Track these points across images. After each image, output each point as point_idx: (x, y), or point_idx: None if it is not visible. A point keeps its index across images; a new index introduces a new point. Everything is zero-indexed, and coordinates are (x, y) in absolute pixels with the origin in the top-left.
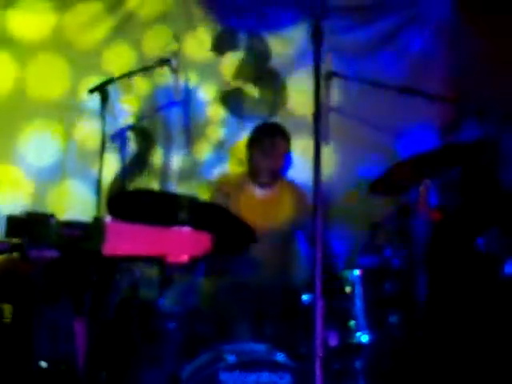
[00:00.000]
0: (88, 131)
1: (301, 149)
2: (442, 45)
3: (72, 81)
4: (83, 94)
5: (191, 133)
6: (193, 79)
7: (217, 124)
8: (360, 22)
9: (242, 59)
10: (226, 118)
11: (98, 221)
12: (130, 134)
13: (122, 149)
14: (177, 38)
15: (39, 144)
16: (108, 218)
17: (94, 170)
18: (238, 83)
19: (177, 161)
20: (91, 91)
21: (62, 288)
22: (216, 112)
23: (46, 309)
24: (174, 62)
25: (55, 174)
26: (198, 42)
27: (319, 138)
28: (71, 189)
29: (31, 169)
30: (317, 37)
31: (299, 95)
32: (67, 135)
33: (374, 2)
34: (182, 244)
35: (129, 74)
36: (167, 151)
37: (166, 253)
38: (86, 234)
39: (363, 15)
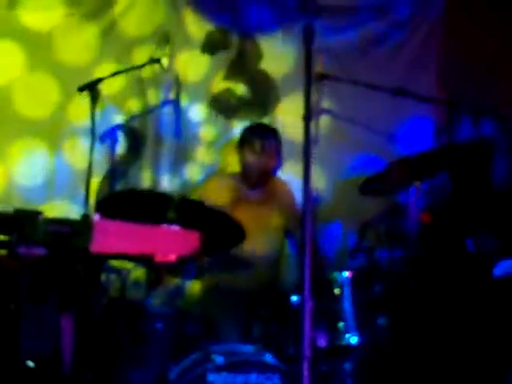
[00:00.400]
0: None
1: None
2: (434, 45)
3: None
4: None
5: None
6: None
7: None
8: (352, 23)
9: (233, 60)
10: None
11: (86, 218)
12: (120, 134)
13: (111, 148)
14: (167, 37)
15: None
16: (96, 216)
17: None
18: (229, 84)
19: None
20: (81, 90)
21: (49, 285)
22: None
23: (33, 306)
24: (164, 61)
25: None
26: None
27: (309, 140)
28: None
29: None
30: (308, 38)
31: (291, 96)
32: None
33: (366, 2)
34: (171, 243)
35: (119, 73)
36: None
37: (154, 251)
38: (74, 231)
39: (355, 16)
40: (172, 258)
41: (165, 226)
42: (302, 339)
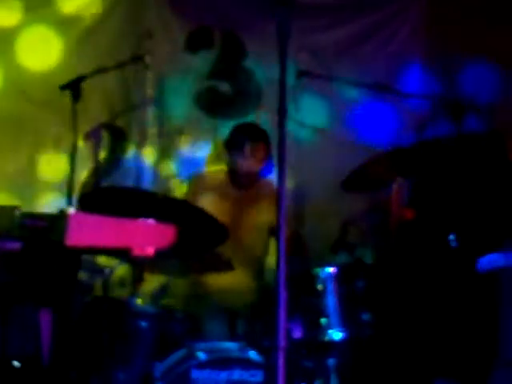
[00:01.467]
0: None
1: None
2: (419, 43)
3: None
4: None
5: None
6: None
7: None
8: (338, 21)
9: (217, 57)
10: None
11: (62, 212)
12: (104, 133)
13: (95, 147)
14: (149, 34)
15: None
16: (71, 210)
17: None
18: (212, 82)
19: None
20: (63, 88)
21: (26, 280)
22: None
23: (11, 303)
24: (147, 59)
25: None
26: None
27: (284, 136)
28: None
29: None
30: (282, 36)
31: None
32: None
33: (348, 1)
34: (147, 236)
35: (102, 71)
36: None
37: (130, 245)
38: (50, 225)
39: (341, 14)
40: (149, 251)
41: (141, 219)
42: (276, 330)
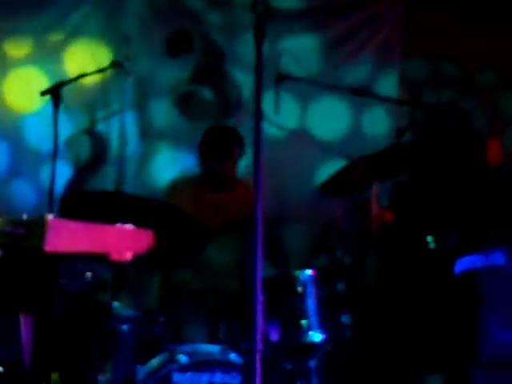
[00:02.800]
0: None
1: None
2: (397, 46)
3: None
4: None
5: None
6: None
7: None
8: (315, 25)
9: (196, 62)
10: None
11: (40, 218)
12: (84, 139)
13: (76, 153)
14: (128, 40)
15: None
16: (50, 216)
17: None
18: (193, 87)
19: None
20: (43, 94)
21: (6, 287)
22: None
23: None
24: (126, 65)
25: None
26: None
27: (259, 140)
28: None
29: None
30: (259, 39)
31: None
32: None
33: (330, 3)
34: (125, 241)
35: (81, 77)
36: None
37: (109, 250)
38: (29, 231)
39: (318, 18)
40: (127, 256)
41: (119, 225)
42: (253, 333)
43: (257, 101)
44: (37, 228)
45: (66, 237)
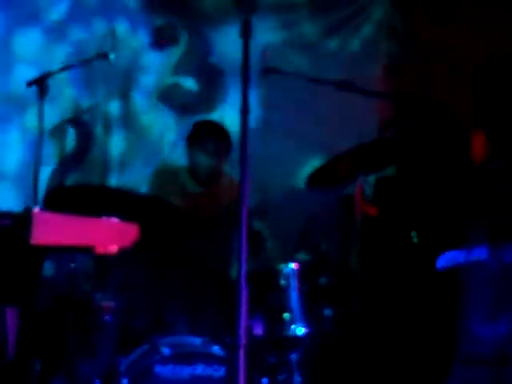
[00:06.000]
0: None
1: None
2: (382, 40)
3: None
4: None
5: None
6: None
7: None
8: (301, 19)
9: (182, 54)
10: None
11: (26, 211)
12: (69, 128)
13: (60, 142)
14: (113, 32)
15: None
16: (36, 208)
17: None
18: (177, 78)
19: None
20: (29, 84)
21: None
22: None
23: None
24: (111, 56)
25: None
26: None
27: (246, 134)
28: None
29: None
30: (245, 33)
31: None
32: None
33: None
34: (110, 234)
35: (67, 68)
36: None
37: (94, 243)
38: (15, 223)
39: (304, 11)
40: (113, 249)
41: (104, 218)
42: (237, 327)
43: (244, 95)
44: (23, 220)
45: (52, 229)
